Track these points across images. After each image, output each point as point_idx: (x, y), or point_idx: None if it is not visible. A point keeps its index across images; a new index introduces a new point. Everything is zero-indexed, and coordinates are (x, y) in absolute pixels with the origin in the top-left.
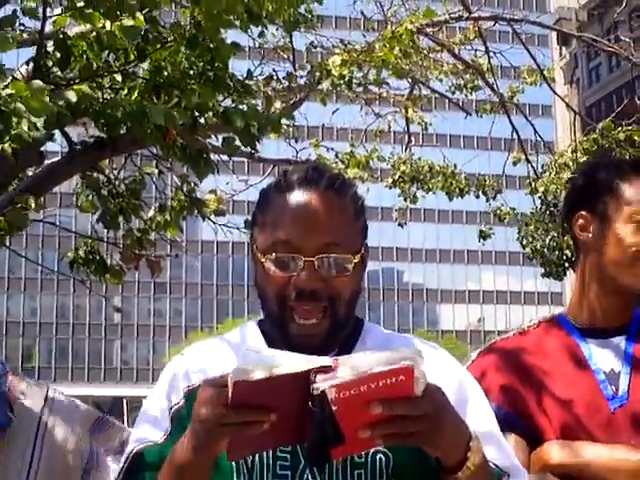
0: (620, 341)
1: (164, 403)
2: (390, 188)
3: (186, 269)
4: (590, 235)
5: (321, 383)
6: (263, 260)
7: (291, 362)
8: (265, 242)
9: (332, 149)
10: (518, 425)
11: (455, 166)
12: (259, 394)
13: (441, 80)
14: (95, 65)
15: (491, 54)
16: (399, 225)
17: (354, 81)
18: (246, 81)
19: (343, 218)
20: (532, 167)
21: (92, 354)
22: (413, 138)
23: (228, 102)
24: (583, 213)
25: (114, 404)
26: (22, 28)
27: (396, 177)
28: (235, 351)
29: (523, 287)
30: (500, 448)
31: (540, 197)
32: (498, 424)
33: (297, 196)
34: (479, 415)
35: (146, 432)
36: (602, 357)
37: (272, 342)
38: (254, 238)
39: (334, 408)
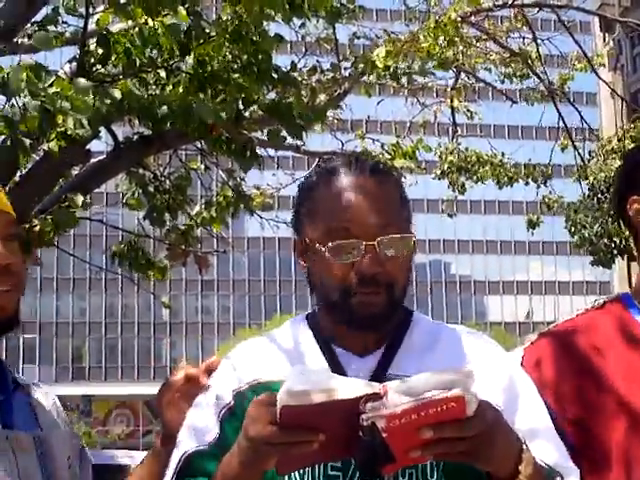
0: None
1: (212, 406)
2: (439, 179)
3: (233, 266)
4: None
5: (370, 413)
6: (323, 249)
7: (341, 387)
8: (319, 231)
9: (378, 140)
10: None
11: (503, 154)
12: (307, 417)
13: (489, 69)
14: (138, 61)
15: (540, 41)
16: (448, 216)
17: (399, 72)
18: (290, 73)
19: (394, 201)
20: (579, 154)
21: (141, 353)
22: (459, 128)
23: (273, 95)
24: (636, 197)
25: None
26: (65, 27)
27: (445, 168)
28: (282, 350)
29: (571, 277)
30: (552, 446)
31: (588, 184)
32: None
33: (347, 182)
34: (530, 411)
35: (195, 436)
36: None
37: (320, 338)
38: (302, 230)
39: (384, 435)
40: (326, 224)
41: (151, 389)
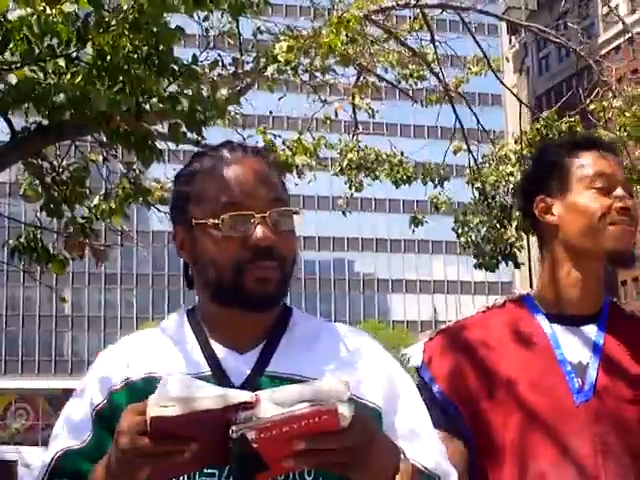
0: (590, 330)
1: (86, 406)
2: (337, 176)
3: (137, 260)
4: (553, 217)
5: (241, 424)
6: (217, 222)
7: (211, 395)
8: (210, 209)
9: (279, 136)
10: (459, 425)
11: (402, 154)
12: (178, 427)
13: (386, 69)
14: (37, 50)
15: (438, 43)
16: (342, 213)
17: (300, 67)
18: (191, 66)
19: (277, 177)
20: (472, 157)
21: (43, 346)
22: (360, 126)
23: (173, 88)
24: (542, 197)
25: (65, 396)
26: None
27: (344, 164)
28: (159, 346)
29: (474, 277)
30: (431, 448)
31: (478, 188)
32: (440, 413)
33: (234, 161)
34: (410, 412)
35: (67, 436)
36: (570, 346)
37: (200, 333)
38: (185, 216)
39: (255, 446)
40: (216, 200)
41: (52, 383)
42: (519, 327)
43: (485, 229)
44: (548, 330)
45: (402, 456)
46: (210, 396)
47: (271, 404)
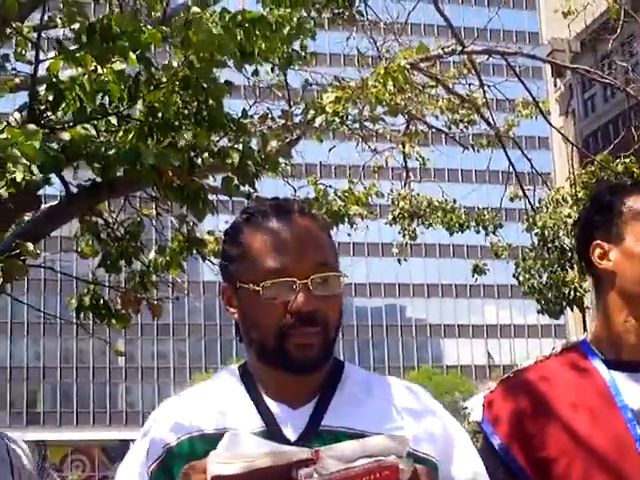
0: None
1: (144, 459)
2: (390, 225)
3: (189, 310)
4: (610, 263)
5: None
6: (258, 289)
7: (273, 453)
8: (253, 273)
9: (330, 186)
10: (520, 479)
11: (454, 201)
12: None
13: (437, 116)
14: (89, 108)
15: (486, 88)
16: (398, 261)
17: (349, 118)
18: (241, 120)
19: (325, 239)
20: (529, 202)
21: (97, 398)
22: (411, 174)
23: (224, 142)
24: (598, 242)
25: (121, 447)
26: (14, 73)
27: (396, 213)
28: (213, 403)
29: (526, 320)
30: None
31: (537, 233)
32: (503, 470)
33: (278, 223)
34: (466, 462)
35: None
36: (630, 393)
37: (252, 390)
38: (232, 275)
39: None
40: (258, 265)
41: (107, 434)
42: (578, 374)
43: (547, 274)
44: (607, 376)
45: None
46: (270, 453)
47: (332, 460)
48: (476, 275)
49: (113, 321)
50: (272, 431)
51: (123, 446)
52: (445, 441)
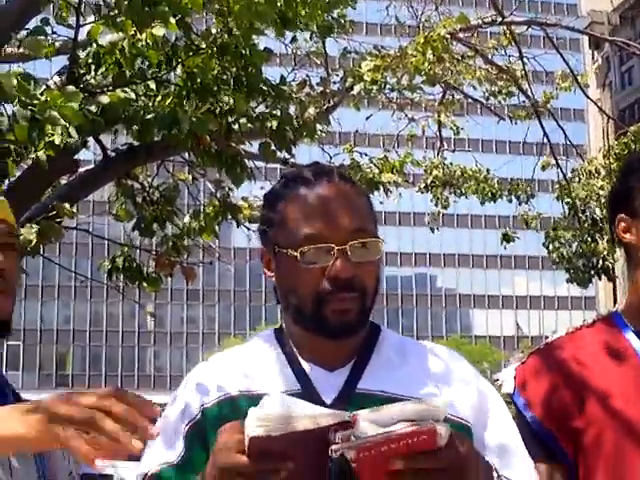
0: None
1: (178, 421)
2: (422, 193)
3: (219, 276)
4: (633, 237)
5: (340, 444)
6: (295, 254)
7: (310, 415)
8: (290, 239)
9: (366, 154)
10: (556, 452)
11: (488, 171)
12: (277, 446)
13: (474, 87)
14: (128, 73)
15: (526, 59)
16: (431, 230)
17: (387, 86)
18: (279, 86)
19: (363, 205)
20: (562, 172)
21: (126, 361)
22: (445, 143)
23: (262, 108)
24: (623, 216)
25: None
26: (55, 37)
27: (429, 182)
28: (251, 365)
29: (556, 292)
30: (521, 464)
31: (568, 203)
32: (536, 442)
33: (317, 188)
34: (500, 428)
35: (160, 452)
36: None
37: (289, 352)
38: (270, 239)
39: (354, 465)
40: (296, 231)
41: None
42: (610, 344)
43: (577, 244)
44: (638, 346)
45: (495, 474)
46: (308, 416)
47: (369, 424)
48: (505, 243)
49: (144, 284)
50: (308, 393)
51: None
52: (480, 406)
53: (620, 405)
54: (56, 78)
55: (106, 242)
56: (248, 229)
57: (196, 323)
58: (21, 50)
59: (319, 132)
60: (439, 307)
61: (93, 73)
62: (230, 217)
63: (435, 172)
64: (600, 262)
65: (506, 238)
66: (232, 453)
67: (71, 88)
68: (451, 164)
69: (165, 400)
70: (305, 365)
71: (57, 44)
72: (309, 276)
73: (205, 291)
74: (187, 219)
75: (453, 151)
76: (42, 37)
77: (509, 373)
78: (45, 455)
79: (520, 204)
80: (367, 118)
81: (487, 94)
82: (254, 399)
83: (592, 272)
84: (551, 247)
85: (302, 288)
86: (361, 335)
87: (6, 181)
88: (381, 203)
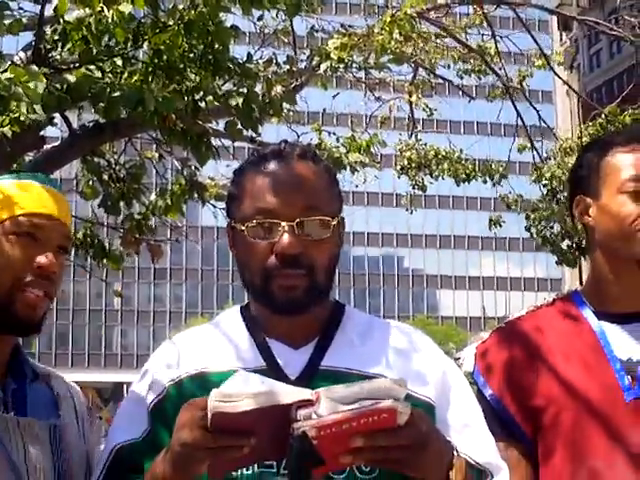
0: (637, 328)
1: (145, 397)
2: (399, 177)
3: (186, 255)
4: (589, 218)
5: (302, 422)
6: (243, 228)
7: (273, 392)
8: (243, 214)
9: (334, 133)
10: (515, 430)
11: (461, 151)
12: (239, 422)
13: (448, 66)
14: (94, 49)
15: (497, 39)
16: (409, 212)
17: (354, 65)
18: (246, 64)
19: (318, 183)
20: (537, 153)
21: (92, 340)
22: (418, 124)
23: (229, 86)
24: (581, 197)
25: (115, 390)
26: (21, 13)
27: (405, 163)
28: (216, 342)
29: (523, 274)
30: (483, 442)
31: (546, 184)
32: (496, 421)
33: (272, 165)
34: (462, 406)
35: (125, 430)
36: (619, 343)
37: (254, 329)
38: (232, 215)
39: (315, 442)
40: (250, 207)
41: (101, 376)
42: (570, 323)
43: (559, 225)
44: (596, 327)
45: (455, 453)
46: (271, 392)
47: (330, 402)
48: (493, 228)
49: (105, 261)
50: (273, 369)
51: (117, 388)
52: (443, 385)
53: (578, 383)
54: (21, 54)
55: (73, 220)
56: (215, 207)
57: (163, 302)
58: None
59: (286, 110)
60: (406, 287)
61: (60, 49)
62: (197, 196)
63: (408, 154)
64: (584, 241)
65: (493, 222)
66: (195, 429)
67: (34, 68)
68: (425, 145)
69: (132, 379)
70: (270, 342)
71: (24, 20)
72: (257, 251)
73: (172, 270)
74: (153, 197)
75: (426, 132)
76: (7, 14)
77: (470, 351)
78: (60, 435)
79: (494, 185)
80: (334, 97)
81: (460, 73)
82: (219, 376)
83: (577, 252)
84: (533, 230)
85: (251, 262)
86: (325, 313)
87: None
88: (352, 183)
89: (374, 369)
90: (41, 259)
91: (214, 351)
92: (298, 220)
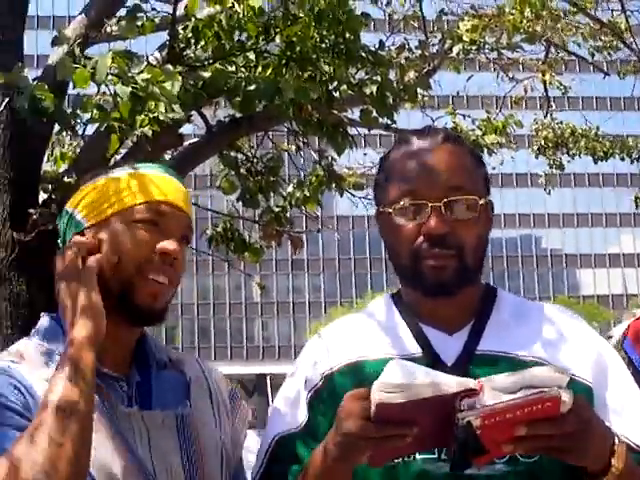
0: None
1: (302, 388)
2: (536, 157)
3: (323, 245)
4: None
5: (466, 412)
6: (390, 211)
7: (436, 382)
8: (391, 197)
9: (468, 116)
10: None
11: (597, 128)
12: (402, 412)
13: (579, 44)
14: (227, 45)
15: (630, 12)
16: (547, 192)
17: (486, 46)
18: (378, 52)
19: (463, 164)
20: None
21: (234, 333)
22: (552, 103)
23: (362, 74)
24: None
25: (258, 382)
26: (154, 13)
27: (542, 143)
28: (371, 331)
29: None
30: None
31: None
32: None
33: (417, 148)
34: (620, 388)
35: (285, 419)
36: None
37: (408, 316)
38: (380, 201)
39: (478, 432)
40: (397, 190)
41: (244, 369)
42: None
43: None
44: None
45: (616, 440)
46: (436, 383)
47: (493, 391)
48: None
49: (246, 254)
50: (429, 357)
51: (260, 380)
52: (600, 366)
53: None
54: (157, 54)
55: (209, 216)
56: (353, 196)
57: (302, 293)
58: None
59: (420, 96)
60: (545, 268)
61: (193, 47)
62: (334, 186)
63: (544, 133)
64: None
65: (638, 200)
66: (358, 419)
67: (169, 67)
68: (561, 123)
69: (274, 370)
70: (425, 328)
71: (156, 20)
72: (406, 233)
73: (310, 260)
74: (291, 189)
75: (560, 110)
76: (140, 16)
77: (621, 327)
78: (189, 423)
79: (632, 162)
80: (468, 79)
81: (592, 50)
82: (375, 364)
83: None
84: None
85: (400, 245)
86: (477, 296)
87: (112, 159)
88: (489, 166)
89: (530, 352)
90: (165, 244)
91: (369, 340)
92: (445, 200)
